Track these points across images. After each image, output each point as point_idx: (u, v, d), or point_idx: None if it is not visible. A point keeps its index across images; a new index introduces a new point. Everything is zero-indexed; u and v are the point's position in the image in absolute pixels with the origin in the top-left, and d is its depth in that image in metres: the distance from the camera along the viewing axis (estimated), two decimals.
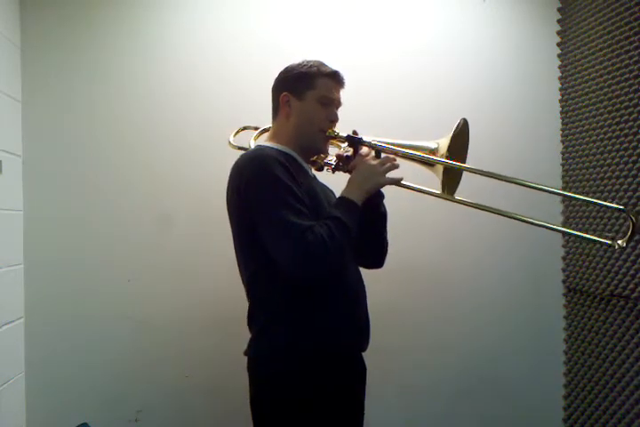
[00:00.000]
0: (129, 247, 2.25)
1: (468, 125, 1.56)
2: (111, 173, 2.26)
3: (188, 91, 2.29)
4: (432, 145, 1.53)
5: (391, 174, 1.52)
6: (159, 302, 2.25)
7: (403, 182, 1.55)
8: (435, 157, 1.50)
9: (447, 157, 1.49)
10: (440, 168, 1.50)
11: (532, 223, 1.49)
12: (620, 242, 1.40)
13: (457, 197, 1.54)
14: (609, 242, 1.43)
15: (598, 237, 1.47)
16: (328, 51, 2.28)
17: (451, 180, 1.53)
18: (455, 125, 1.51)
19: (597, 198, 2.25)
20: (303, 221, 1.38)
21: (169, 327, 2.25)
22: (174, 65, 2.29)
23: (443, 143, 1.50)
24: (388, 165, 1.50)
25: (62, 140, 2.24)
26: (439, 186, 1.51)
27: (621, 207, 1.48)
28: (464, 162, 1.57)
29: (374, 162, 1.51)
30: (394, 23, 2.41)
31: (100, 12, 2.26)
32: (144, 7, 2.30)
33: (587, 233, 1.61)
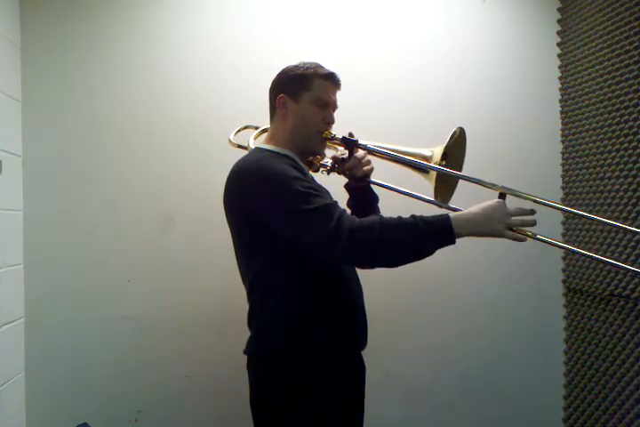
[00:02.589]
0: (129, 247, 2.25)
1: (464, 134, 1.56)
2: (111, 173, 2.26)
3: (188, 90, 2.29)
4: (426, 152, 1.54)
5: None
6: (159, 302, 2.25)
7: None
8: (428, 164, 1.50)
9: (442, 166, 1.49)
10: (434, 175, 1.50)
11: (531, 237, 1.48)
12: None
13: (450, 204, 1.54)
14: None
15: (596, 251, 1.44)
16: (328, 51, 2.29)
17: (445, 188, 1.54)
18: (450, 134, 1.51)
19: (597, 198, 2.25)
20: (326, 200, 1.39)
21: (169, 327, 2.25)
22: (174, 65, 2.29)
23: (437, 151, 1.51)
24: (519, 221, 1.35)
25: (62, 140, 2.24)
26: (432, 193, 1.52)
27: None
28: (460, 170, 1.57)
29: (509, 210, 1.35)
30: (394, 23, 2.41)
31: (99, 12, 2.26)
32: (144, 7, 2.30)
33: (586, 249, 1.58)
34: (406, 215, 1.37)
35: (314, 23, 2.36)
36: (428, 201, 1.54)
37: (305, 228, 1.36)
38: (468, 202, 1.53)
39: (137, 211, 2.26)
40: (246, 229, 1.49)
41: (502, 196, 1.39)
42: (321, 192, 1.43)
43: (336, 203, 1.40)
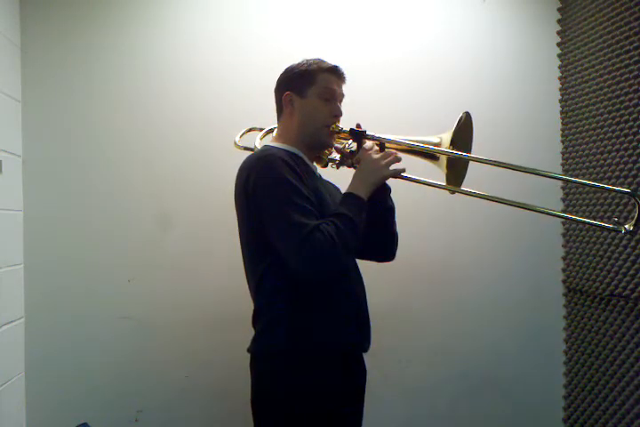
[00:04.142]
0: (129, 247, 2.25)
1: (471, 119, 1.55)
2: (111, 173, 2.26)
3: (188, 91, 2.29)
4: (434, 139, 1.53)
5: (394, 167, 1.53)
6: (159, 303, 2.25)
7: (407, 175, 1.55)
8: (439, 148, 1.50)
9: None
10: (444, 162, 1.50)
11: (534, 210, 1.50)
12: (626, 226, 1.38)
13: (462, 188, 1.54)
14: (614, 226, 1.41)
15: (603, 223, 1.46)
16: (328, 51, 2.27)
17: (455, 174, 1.53)
18: (457, 119, 1.51)
19: (597, 198, 2.25)
20: (311, 220, 1.38)
21: (169, 327, 2.25)
22: (174, 65, 2.29)
23: (445, 137, 1.51)
24: (391, 157, 1.51)
25: (62, 140, 2.24)
26: (444, 181, 1.53)
27: (628, 191, 1.46)
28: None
29: (377, 155, 1.51)
30: (394, 23, 2.41)
31: (100, 12, 2.26)
32: (144, 7, 2.30)
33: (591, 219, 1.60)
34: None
35: (314, 23, 2.36)
36: (440, 187, 1.54)
37: (284, 240, 1.40)
38: (478, 186, 1.55)
39: (137, 211, 2.26)
40: (252, 229, 1.49)
41: (380, 146, 1.56)
42: (311, 206, 1.42)
43: (317, 225, 1.37)
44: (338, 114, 1.58)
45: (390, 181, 1.59)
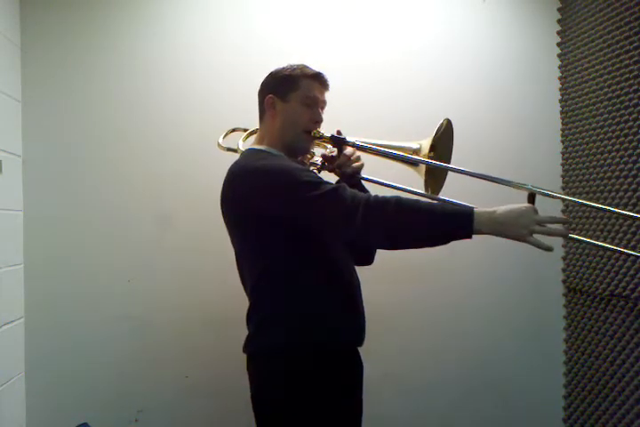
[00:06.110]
0: (129, 247, 2.25)
1: (451, 126, 1.58)
2: (111, 173, 2.26)
3: (187, 91, 2.29)
4: (414, 146, 1.56)
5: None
6: (159, 302, 2.25)
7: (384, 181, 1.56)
8: (416, 157, 1.52)
9: (431, 158, 1.51)
10: (423, 168, 1.52)
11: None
12: None
13: (441, 196, 1.55)
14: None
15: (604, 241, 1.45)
16: (328, 50, 2.30)
17: (434, 180, 1.55)
18: (437, 126, 1.53)
19: (597, 198, 2.25)
20: (333, 184, 1.40)
21: (169, 327, 2.25)
22: (174, 65, 2.29)
23: (425, 144, 1.53)
24: (545, 230, 1.30)
25: (62, 140, 2.24)
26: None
27: None
28: (449, 162, 1.59)
29: (539, 217, 1.30)
30: (394, 23, 2.41)
31: (99, 12, 2.26)
32: (144, 7, 2.30)
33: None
34: None
35: (314, 23, 2.36)
36: (419, 194, 1.55)
37: (319, 213, 1.39)
38: (464, 194, 1.56)
39: (137, 211, 2.26)
40: (253, 231, 1.50)
41: (532, 199, 1.35)
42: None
43: (344, 186, 1.40)
44: (318, 120, 1.59)
45: (376, 185, 1.60)
